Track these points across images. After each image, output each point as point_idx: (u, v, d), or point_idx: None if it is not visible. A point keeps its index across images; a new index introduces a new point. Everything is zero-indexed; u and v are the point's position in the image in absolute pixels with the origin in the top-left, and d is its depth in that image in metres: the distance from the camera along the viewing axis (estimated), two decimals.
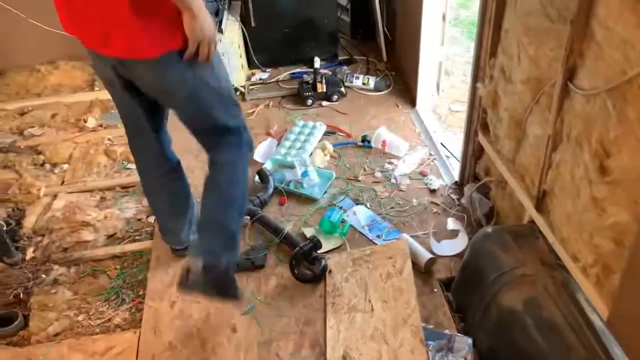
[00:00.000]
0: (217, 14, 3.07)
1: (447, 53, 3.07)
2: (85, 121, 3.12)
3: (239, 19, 3.23)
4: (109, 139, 2.96)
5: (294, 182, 2.46)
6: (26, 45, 3.58)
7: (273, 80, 3.32)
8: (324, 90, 3.03)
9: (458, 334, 1.75)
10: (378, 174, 2.52)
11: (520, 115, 1.79)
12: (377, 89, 3.14)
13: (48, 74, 3.53)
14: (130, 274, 2.18)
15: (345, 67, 3.34)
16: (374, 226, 2.23)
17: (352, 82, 3.17)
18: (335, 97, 3.06)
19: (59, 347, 1.87)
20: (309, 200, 2.41)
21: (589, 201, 1.40)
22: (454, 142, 2.76)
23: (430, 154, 2.63)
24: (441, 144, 2.65)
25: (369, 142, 2.69)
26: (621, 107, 1.22)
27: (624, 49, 1.19)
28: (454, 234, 2.17)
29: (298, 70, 3.39)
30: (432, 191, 2.41)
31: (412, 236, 2.15)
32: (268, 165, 2.56)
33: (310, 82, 3.07)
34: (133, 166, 2.77)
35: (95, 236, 2.36)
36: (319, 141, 2.72)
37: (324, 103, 3.07)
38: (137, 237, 2.36)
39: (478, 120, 2.14)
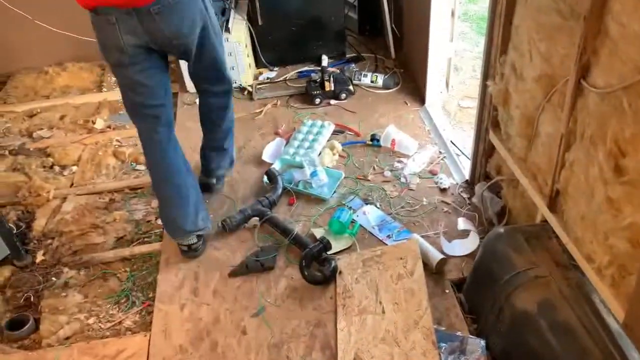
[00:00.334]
0: (223, 13, 3.05)
1: (456, 48, 3.04)
2: (94, 122, 3.12)
3: (245, 18, 3.21)
4: (117, 140, 2.97)
5: (302, 182, 2.44)
6: (33, 47, 3.59)
7: (280, 79, 3.30)
8: (332, 88, 3.00)
9: (470, 336, 1.73)
10: (387, 173, 2.50)
11: (532, 113, 1.76)
12: (385, 86, 3.11)
13: (56, 75, 3.54)
14: (140, 276, 2.18)
15: (353, 65, 3.31)
16: (384, 226, 2.21)
17: (360, 80, 3.14)
18: (344, 95, 3.04)
19: (70, 350, 1.87)
20: (318, 200, 2.39)
21: (604, 201, 1.37)
22: (463, 139, 2.74)
23: (440, 152, 2.60)
24: (451, 142, 2.62)
25: (377, 140, 2.67)
26: (637, 106, 1.19)
27: None
28: (464, 233, 2.14)
29: (305, 68, 3.36)
30: (443, 190, 2.38)
31: (422, 236, 2.13)
32: (276, 166, 2.54)
33: (318, 80, 3.05)
34: (142, 167, 2.78)
35: (105, 238, 2.36)
36: (328, 140, 2.70)
37: (332, 102, 3.05)
38: (146, 239, 2.36)
39: (489, 118, 2.10)
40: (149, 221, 2.45)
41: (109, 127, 3.11)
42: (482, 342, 1.68)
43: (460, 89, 3.27)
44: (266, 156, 2.64)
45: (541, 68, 1.63)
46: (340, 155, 2.64)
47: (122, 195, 2.60)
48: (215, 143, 2.41)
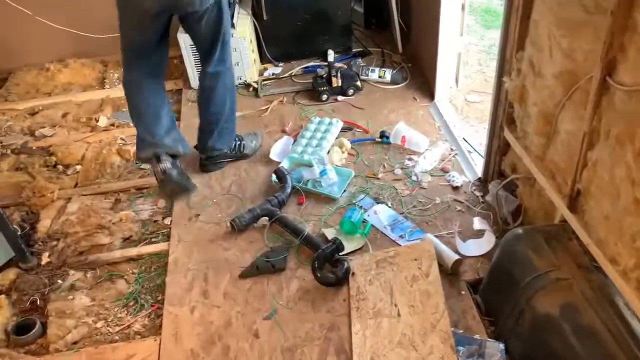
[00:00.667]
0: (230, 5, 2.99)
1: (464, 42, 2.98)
2: (97, 120, 3.07)
3: (250, 12, 3.16)
4: (121, 139, 2.91)
5: (312, 181, 2.39)
6: (34, 43, 3.53)
7: (286, 75, 3.24)
8: (339, 84, 2.95)
9: (489, 339, 1.69)
10: (398, 171, 2.45)
11: (551, 110, 1.71)
12: (393, 81, 3.06)
13: (58, 72, 3.48)
14: (148, 278, 2.14)
15: (360, 60, 3.26)
16: (396, 226, 2.17)
17: (367, 76, 3.09)
18: (351, 91, 2.99)
19: (78, 356, 1.84)
20: (328, 199, 2.35)
21: (631, 203, 1.33)
22: (472, 134, 2.69)
23: (452, 149, 2.55)
24: (464, 139, 2.57)
25: (387, 138, 2.62)
26: None
27: None
28: (479, 233, 2.10)
29: (311, 64, 3.31)
30: (455, 188, 2.34)
31: (436, 236, 2.08)
32: (285, 164, 2.50)
33: (325, 76, 3.00)
34: (146, 166, 2.73)
35: (111, 239, 2.32)
36: (336, 138, 2.65)
37: (340, 98, 3.00)
38: (153, 239, 2.32)
39: (504, 115, 2.06)
40: (155, 221, 2.41)
41: (112, 124, 3.06)
42: (502, 346, 1.65)
43: (466, 83, 3.21)
44: (274, 154, 2.60)
45: (562, 64, 1.58)
46: (349, 153, 2.59)
47: (127, 195, 2.55)
48: (203, 124, 2.49)
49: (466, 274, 1.97)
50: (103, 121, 3.06)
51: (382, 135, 2.64)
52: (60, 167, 2.77)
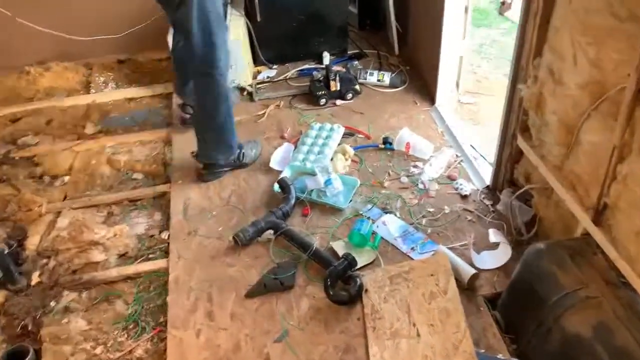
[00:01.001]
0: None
1: None
2: (84, 127, 2.93)
3: (243, 13, 3.04)
4: (110, 147, 2.78)
5: (316, 191, 2.30)
6: (13, 46, 3.36)
7: (281, 78, 3.14)
8: (338, 88, 2.86)
9: (513, 359, 1.63)
10: (404, 179, 2.38)
11: (573, 120, 1.65)
12: (392, 85, 2.98)
13: (39, 76, 3.32)
14: (148, 298, 2.03)
15: (357, 62, 3.17)
16: (406, 237, 2.10)
17: (365, 79, 3.00)
18: (350, 95, 2.90)
19: None
20: (333, 210, 2.26)
21: None
22: (470, 137, 2.60)
23: (457, 156, 2.49)
24: (471, 146, 2.51)
25: (390, 144, 2.55)
26: None
27: None
28: (493, 244, 2.04)
29: (306, 66, 3.21)
30: (464, 197, 2.27)
31: (449, 248, 2.02)
32: (287, 173, 2.40)
33: (322, 79, 2.90)
34: (139, 176, 2.61)
35: (106, 256, 2.20)
36: (338, 144, 2.56)
37: (338, 102, 2.91)
38: (150, 256, 2.21)
39: (517, 123, 1.99)
40: (152, 235, 2.29)
41: (100, 132, 2.92)
42: None
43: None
44: (274, 163, 2.50)
45: (589, 73, 1.52)
46: (352, 160, 2.50)
47: (121, 207, 2.43)
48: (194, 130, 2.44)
49: (482, 288, 1.91)
50: (90, 128, 2.92)
51: (385, 141, 2.56)
52: (46, 178, 2.62)
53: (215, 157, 2.42)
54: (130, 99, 3.17)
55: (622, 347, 1.37)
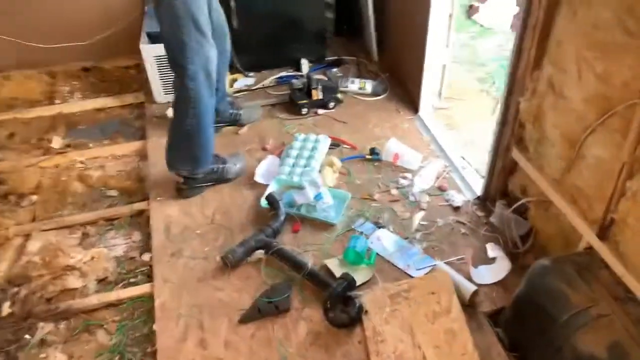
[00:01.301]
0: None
1: None
2: (50, 141, 2.75)
3: None
4: (81, 162, 2.62)
5: (305, 206, 2.22)
6: None
7: (259, 86, 3.04)
8: (320, 97, 2.79)
9: None
10: (394, 191, 2.33)
11: (576, 134, 1.63)
12: (374, 93, 2.93)
13: None
14: (132, 326, 1.90)
15: (336, 69, 3.11)
16: (402, 253, 2.04)
17: (347, 87, 2.94)
18: (332, 104, 2.83)
19: None
20: (324, 225, 2.18)
21: None
22: (449, 144, 2.58)
23: (446, 165, 2.46)
24: (462, 157, 2.48)
25: (377, 154, 2.49)
26: None
27: None
28: (490, 258, 2.01)
29: (284, 74, 3.12)
30: (456, 209, 2.24)
31: (445, 262, 1.97)
32: (273, 187, 2.31)
33: (303, 88, 2.82)
34: (114, 193, 2.46)
35: (84, 282, 2.05)
36: (325, 156, 2.48)
37: (320, 111, 2.83)
38: (132, 280, 2.07)
39: (512, 135, 1.97)
40: (132, 258, 2.16)
41: (68, 145, 2.74)
42: None
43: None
44: (259, 176, 2.40)
45: (596, 88, 1.50)
46: (340, 172, 2.43)
47: (96, 228, 2.28)
48: None
49: (483, 304, 1.87)
50: (57, 142, 2.74)
51: (373, 152, 2.50)
52: (12, 198, 2.43)
53: (175, 165, 2.29)
54: (99, 110, 3.00)
55: None
